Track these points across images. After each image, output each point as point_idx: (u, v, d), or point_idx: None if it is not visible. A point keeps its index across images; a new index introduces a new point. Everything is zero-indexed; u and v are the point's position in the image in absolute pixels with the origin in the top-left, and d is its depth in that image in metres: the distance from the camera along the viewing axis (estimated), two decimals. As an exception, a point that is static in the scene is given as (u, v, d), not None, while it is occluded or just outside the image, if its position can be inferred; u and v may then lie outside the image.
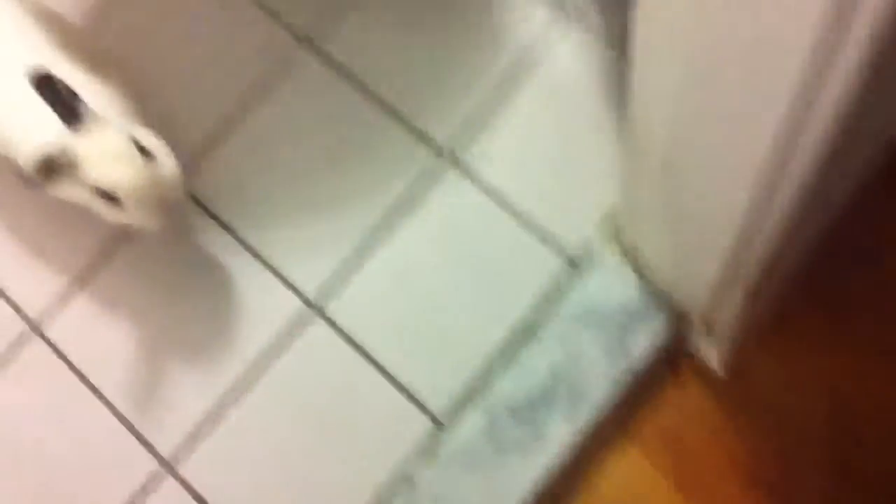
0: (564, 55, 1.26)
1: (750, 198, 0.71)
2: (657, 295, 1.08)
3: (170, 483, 1.17)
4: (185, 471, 1.17)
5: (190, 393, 1.20)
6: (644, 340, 1.07)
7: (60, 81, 0.97)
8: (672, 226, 0.93)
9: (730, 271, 0.88)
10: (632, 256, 1.09)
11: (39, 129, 1.00)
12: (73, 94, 0.97)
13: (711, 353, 1.09)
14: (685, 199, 0.85)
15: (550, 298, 1.13)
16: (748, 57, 0.58)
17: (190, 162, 1.26)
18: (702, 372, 1.14)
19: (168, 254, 1.26)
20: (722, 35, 0.59)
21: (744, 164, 0.68)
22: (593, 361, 1.07)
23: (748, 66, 0.59)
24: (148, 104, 1.13)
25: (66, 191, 1.03)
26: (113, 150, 0.97)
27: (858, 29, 0.48)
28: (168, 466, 1.18)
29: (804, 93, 0.56)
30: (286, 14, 1.32)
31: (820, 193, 0.70)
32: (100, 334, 1.24)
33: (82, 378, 1.22)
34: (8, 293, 1.27)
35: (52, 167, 0.96)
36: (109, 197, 0.99)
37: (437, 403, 1.15)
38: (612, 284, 1.10)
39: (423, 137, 1.24)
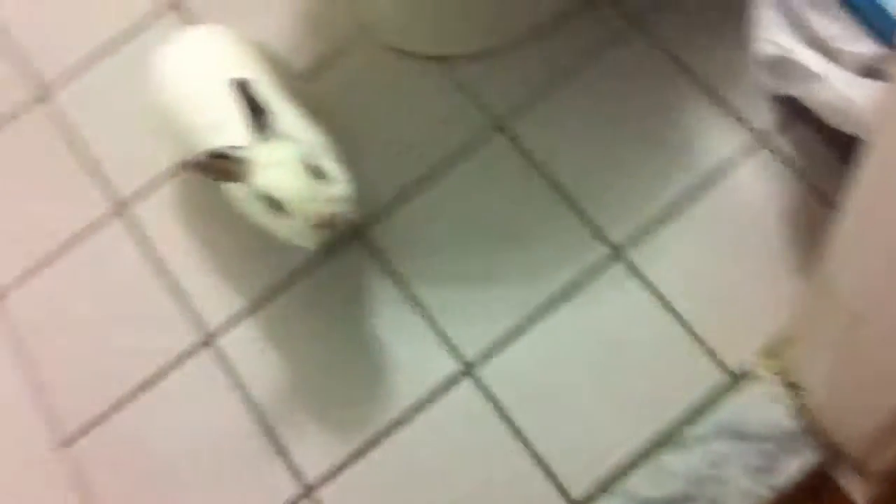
0: (751, 179, 1.31)
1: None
2: (812, 425, 1.11)
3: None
4: (321, 495, 1.25)
5: (337, 430, 1.27)
6: (791, 467, 1.10)
7: (257, 95, 1.05)
8: (846, 370, 0.97)
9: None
10: (792, 384, 1.13)
11: (228, 131, 1.10)
12: (265, 109, 1.05)
13: (858, 491, 1.12)
14: (870, 351, 0.90)
15: (701, 409, 1.17)
16: None
17: (371, 213, 1.36)
18: (842, 506, 1.17)
19: (340, 294, 1.34)
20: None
21: None
22: (737, 479, 1.10)
23: None
24: (342, 151, 1.21)
25: (236, 192, 1.12)
26: (285, 160, 1.05)
27: None
28: (309, 489, 1.25)
29: None
30: (483, 97, 1.41)
31: None
32: (263, 356, 1.32)
33: (243, 394, 1.31)
34: (192, 302, 1.37)
35: (228, 167, 1.04)
36: (276, 206, 1.06)
37: (571, 484, 1.20)
38: (767, 407, 1.13)
39: (597, 232, 1.31)
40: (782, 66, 1.17)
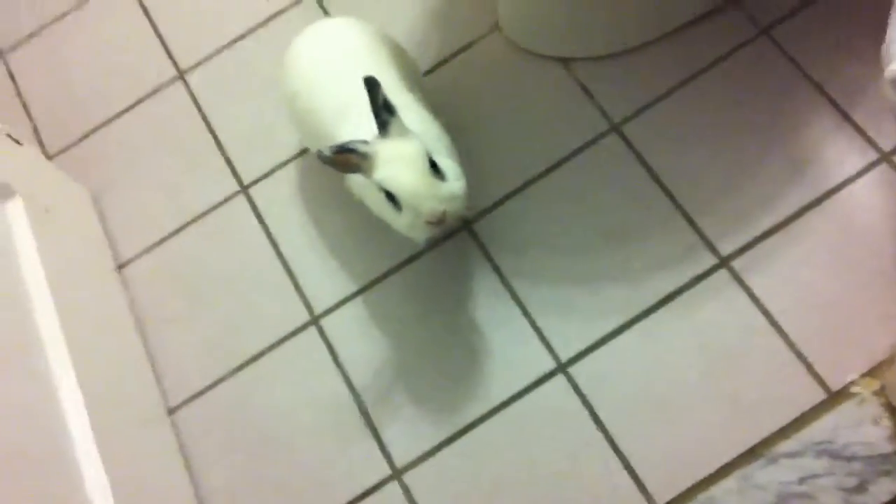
0: (870, 198, 1.28)
1: None
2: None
3: (393, 487, 1.28)
4: (408, 478, 1.28)
5: (429, 415, 1.30)
6: (883, 489, 1.07)
7: (384, 95, 1.09)
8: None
9: None
10: (891, 406, 1.10)
11: (354, 118, 1.15)
12: (391, 109, 1.09)
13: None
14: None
15: (795, 424, 1.15)
16: None
17: (482, 207, 1.39)
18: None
19: (443, 282, 1.37)
20: None
21: None
22: (826, 497, 1.08)
23: None
24: (461, 145, 1.24)
25: (357, 181, 1.17)
26: (406, 156, 1.08)
27: None
28: (398, 473, 1.28)
29: None
30: (603, 99, 1.42)
31: None
32: (366, 337, 1.36)
33: (344, 372, 1.35)
34: (303, 280, 1.42)
35: (354, 160, 1.08)
36: (393, 200, 1.10)
37: (656, 489, 1.19)
38: (863, 427, 1.11)
39: (705, 240, 1.30)
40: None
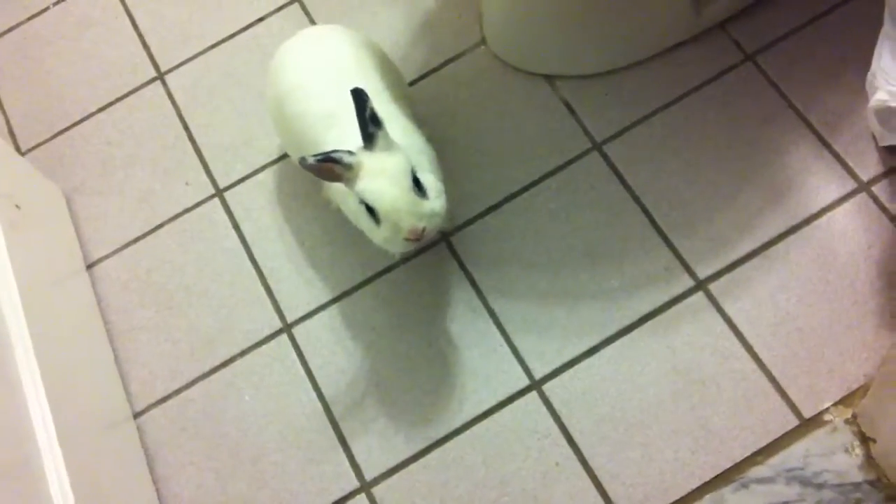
0: (848, 226, 1.29)
1: None
2: (880, 480, 1.08)
3: (362, 500, 1.26)
4: (377, 491, 1.26)
5: (400, 427, 1.29)
6: (853, 520, 1.08)
7: (372, 108, 1.08)
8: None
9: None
10: (862, 434, 1.10)
11: (340, 125, 1.15)
12: (378, 121, 1.08)
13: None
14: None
15: (769, 451, 1.15)
16: None
17: (462, 222, 1.38)
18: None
19: (419, 294, 1.36)
20: None
21: None
22: (796, 524, 1.08)
23: None
24: (443, 158, 1.23)
25: (338, 191, 1.16)
26: (389, 171, 1.07)
27: None
28: (367, 485, 1.26)
29: None
30: (587, 118, 1.42)
31: None
32: (338, 346, 1.34)
33: (314, 382, 1.33)
34: (276, 294, 1.40)
35: (337, 170, 1.07)
36: (371, 211, 1.09)
37: (627, 511, 1.19)
38: (834, 455, 1.11)
39: (683, 263, 1.30)
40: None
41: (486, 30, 1.51)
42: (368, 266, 1.38)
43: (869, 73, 1.20)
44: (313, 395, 1.32)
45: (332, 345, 1.35)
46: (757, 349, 1.23)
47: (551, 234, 1.35)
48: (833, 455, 1.12)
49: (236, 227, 1.46)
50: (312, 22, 1.59)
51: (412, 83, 1.49)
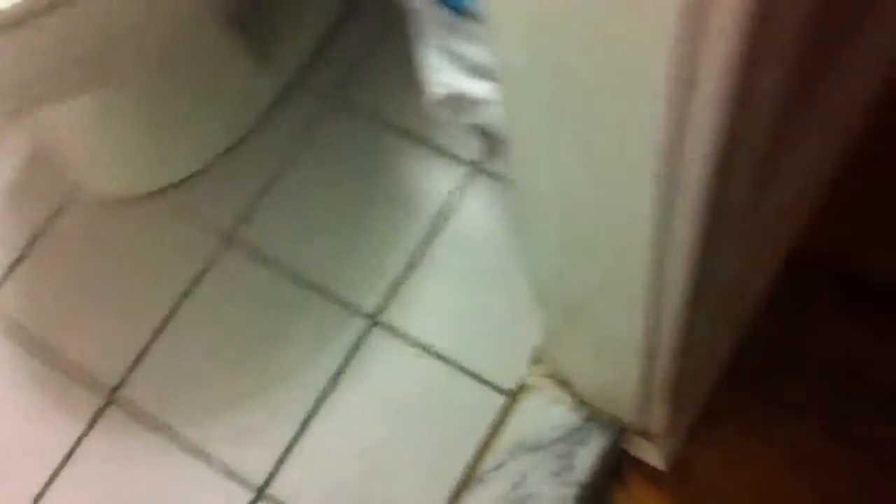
0: (477, 208, 1.36)
1: (644, 321, 0.81)
2: (593, 413, 1.15)
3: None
4: None
5: None
6: (587, 458, 1.13)
7: None
8: (588, 354, 1.02)
9: (648, 383, 0.96)
10: (563, 382, 1.17)
11: None
12: None
13: (652, 455, 1.16)
14: (591, 331, 0.95)
15: (493, 436, 1.20)
16: (607, 216, 0.69)
17: (122, 379, 1.33)
18: (648, 475, 1.20)
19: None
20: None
21: (627, 295, 0.78)
22: (542, 489, 1.13)
23: (608, 223, 0.70)
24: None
25: None
26: None
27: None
28: None
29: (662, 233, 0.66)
30: (205, 218, 1.41)
31: (703, 312, 0.81)
32: None
33: None
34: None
35: None
36: None
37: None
38: (549, 410, 1.17)
39: (349, 308, 1.32)
40: (457, 101, 1.23)
41: (74, 173, 1.47)
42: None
43: (421, 75, 1.27)
44: None
45: None
46: (445, 353, 1.27)
47: (217, 344, 1.34)
48: (547, 412, 1.18)
49: None
50: None
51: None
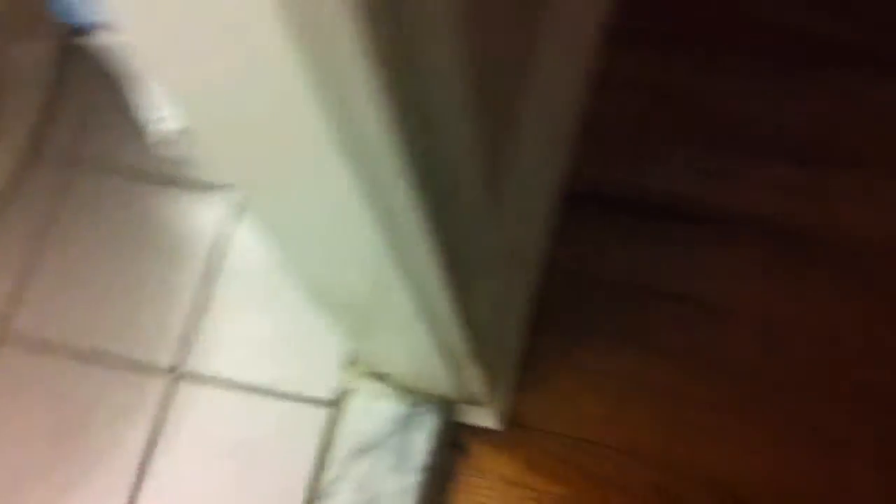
0: (249, 232, 1.32)
1: (414, 305, 0.81)
2: (420, 397, 1.15)
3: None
4: None
5: None
6: (420, 442, 1.12)
7: None
8: (391, 343, 1.02)
9: (452, 356, 0.97)
10: (382, 376, 1.16)
11: None
12: None
13: (489, 419, 1.17)
14: (382, 324, 0.94)
15: (327, 449, 1.17)
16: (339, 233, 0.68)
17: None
18: (487, 439, 1.21)
19: None
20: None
21: (391, 287, 0.78)
22: (387, 485, 1.11)
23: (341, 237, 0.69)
24: None
25: None
26: None
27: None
28: None
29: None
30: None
31: (468, 279, 0.82)
32: None
33: None
34: None
35: None
36: None
37: None
38: (376, 407, 1.15)
39: (146, 370, 1.26)
40: (184, 132, 1.20)
41: None
42: None
43: (142, 117, 1.23)
44: None
45: None
46: (260, 383, 1.23)
47: (12, 459, 1.24)
48: (371, 409, 1.16)
49: None
50: None
51: None
